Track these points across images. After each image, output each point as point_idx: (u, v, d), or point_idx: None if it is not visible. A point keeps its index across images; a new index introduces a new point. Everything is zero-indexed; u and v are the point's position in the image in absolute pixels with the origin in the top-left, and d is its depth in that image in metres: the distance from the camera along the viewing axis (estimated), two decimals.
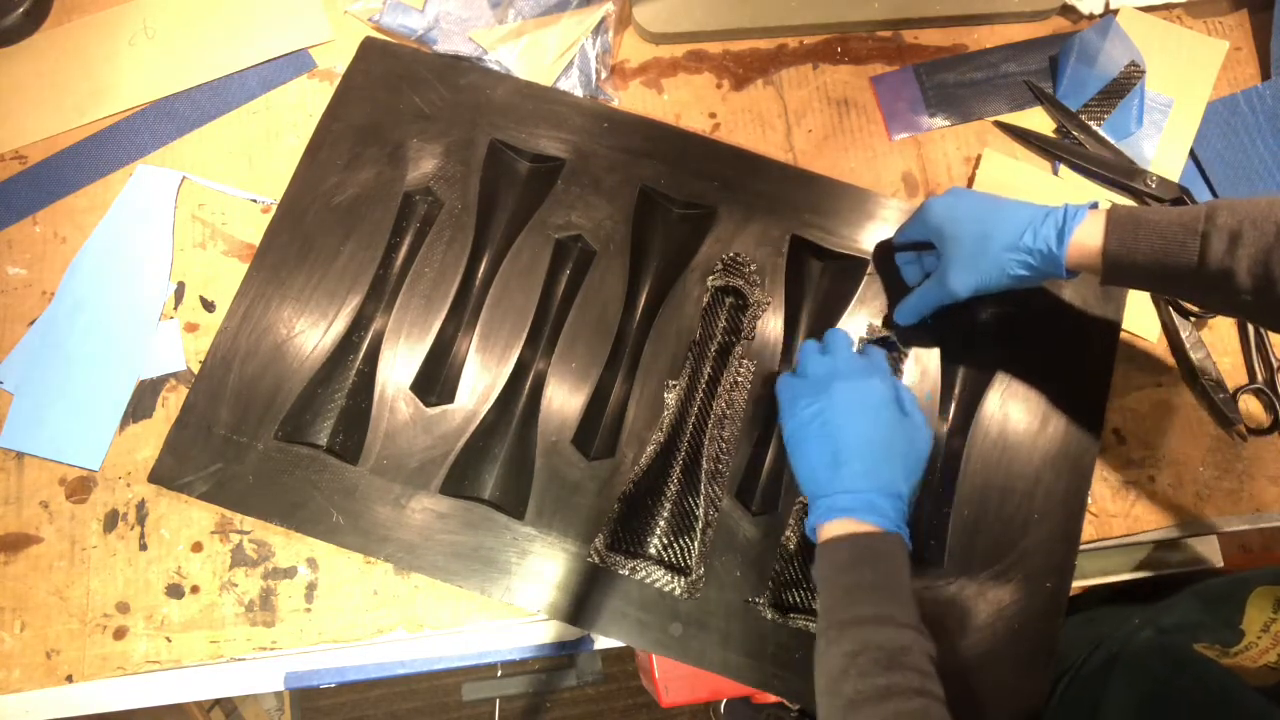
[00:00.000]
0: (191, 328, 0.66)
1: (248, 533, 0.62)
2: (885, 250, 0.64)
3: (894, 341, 0.63)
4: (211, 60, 0.71)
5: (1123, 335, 0.64)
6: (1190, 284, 0.49)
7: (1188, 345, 0.65)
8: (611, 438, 0.61)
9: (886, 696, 0.43)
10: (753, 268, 0.64)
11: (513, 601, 0.57)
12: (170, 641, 0.60)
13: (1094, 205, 0.52)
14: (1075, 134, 0.70)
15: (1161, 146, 0.70)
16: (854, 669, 0.44)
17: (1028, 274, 0.53)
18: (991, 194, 0.56)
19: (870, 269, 0.64)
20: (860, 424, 0.51)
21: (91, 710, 0.61)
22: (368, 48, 0.69)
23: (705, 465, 0.60)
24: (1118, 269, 0.50)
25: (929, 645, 0.46)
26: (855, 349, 0.57)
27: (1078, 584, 0.63)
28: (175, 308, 0.66)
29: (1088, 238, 0.51)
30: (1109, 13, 0.73)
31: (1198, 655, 0.53)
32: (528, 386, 0.63)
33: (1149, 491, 0.64)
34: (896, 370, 0.63)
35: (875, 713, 0.42)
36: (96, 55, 0.72)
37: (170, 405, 0.64)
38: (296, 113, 0.70)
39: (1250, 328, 0.67)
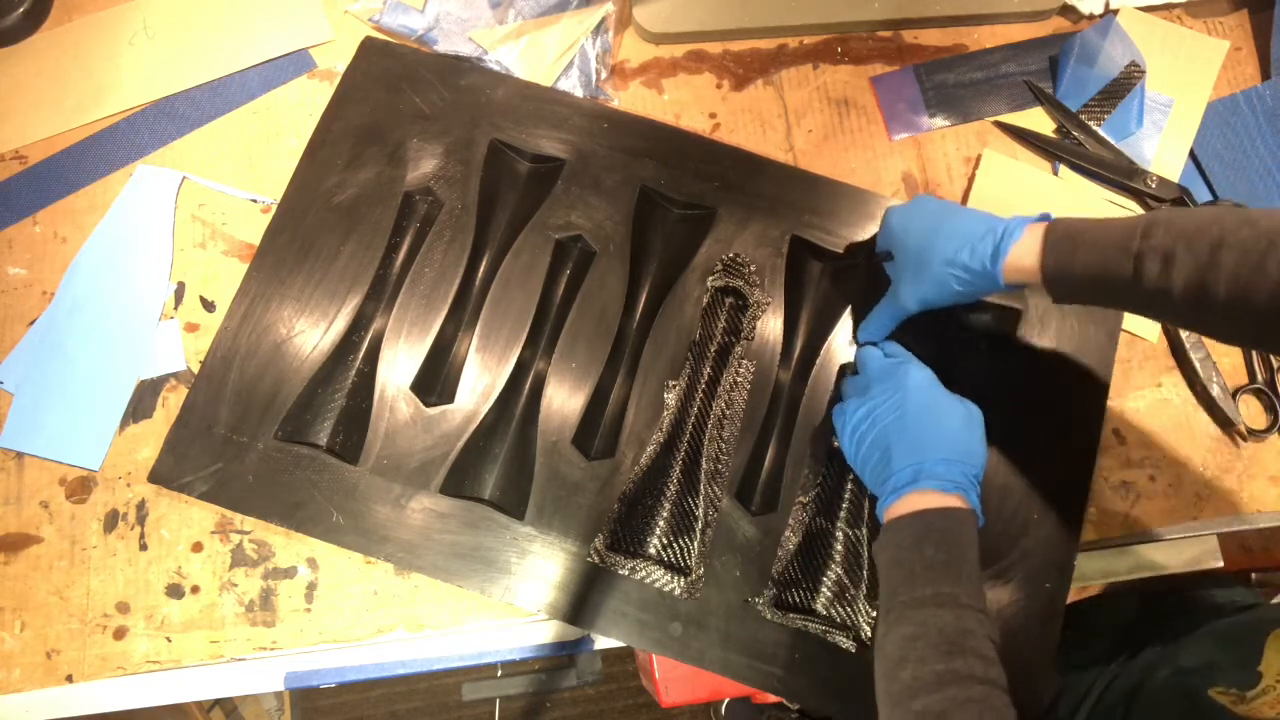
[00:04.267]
0: (191, 328, 0.66)
1: (248, 533, 0.62)
2: (859, 252, 0.64)
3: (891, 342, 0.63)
4: (212, 60, 0.71)
5: (1123, 335, 0.64)
6: (1129, 300, 0.48)
7: (1188, 345, 0.65)
8: (611, 438, 0.61)
9: (945, 683, 0.41)
10: (752, 268, 0.64)
11: (513, 601, 0.57)
12: (170, 641, 0.60)
13: (1044, 217, 0.52)
14: (1075, 134, 0.70)
15: (1161, 146, 0.70)
16: (912, 654, 0.43)
17: (966, 290, 0.53)
18: (949, 204, 0.57)
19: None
20: (906, 409, 0.52)
21: (91, 710, 0.61)
22: (368, 48, 0.69)
23: (705, 465, 0.60)
24: (1059, 285, 0.50)
25: (992, 628, 0.44)
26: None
27: (1077, 584, 0.63)
28: (175, 308, 0.66)
29: (1027, 255, 0.50)
30: (1109, 13, 0.73)
31: (1212, 702, 0.53)
32: (528, 386, 0.63)
33: (1149, 491, 0.64)
34: None
35: (932, 700, 0.41)
36: (96, 55, 0.72)
37: (170, 405, 0.64)
38: (296, 113, 0.70)
39: None
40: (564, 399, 0.61)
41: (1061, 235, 0.49)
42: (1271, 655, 0.54)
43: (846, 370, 0.63)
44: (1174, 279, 0.45)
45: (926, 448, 0.50)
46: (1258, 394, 0.66)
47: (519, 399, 0.63)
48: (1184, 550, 0.67)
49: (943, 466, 0.49)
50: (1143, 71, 0.71)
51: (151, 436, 0.63)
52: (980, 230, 0.52)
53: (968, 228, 0.53)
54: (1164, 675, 0.57)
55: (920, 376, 0.53)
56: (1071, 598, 0.59)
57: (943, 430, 0.51)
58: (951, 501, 0.48)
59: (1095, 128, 0.70)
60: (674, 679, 0.79)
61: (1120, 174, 0.68)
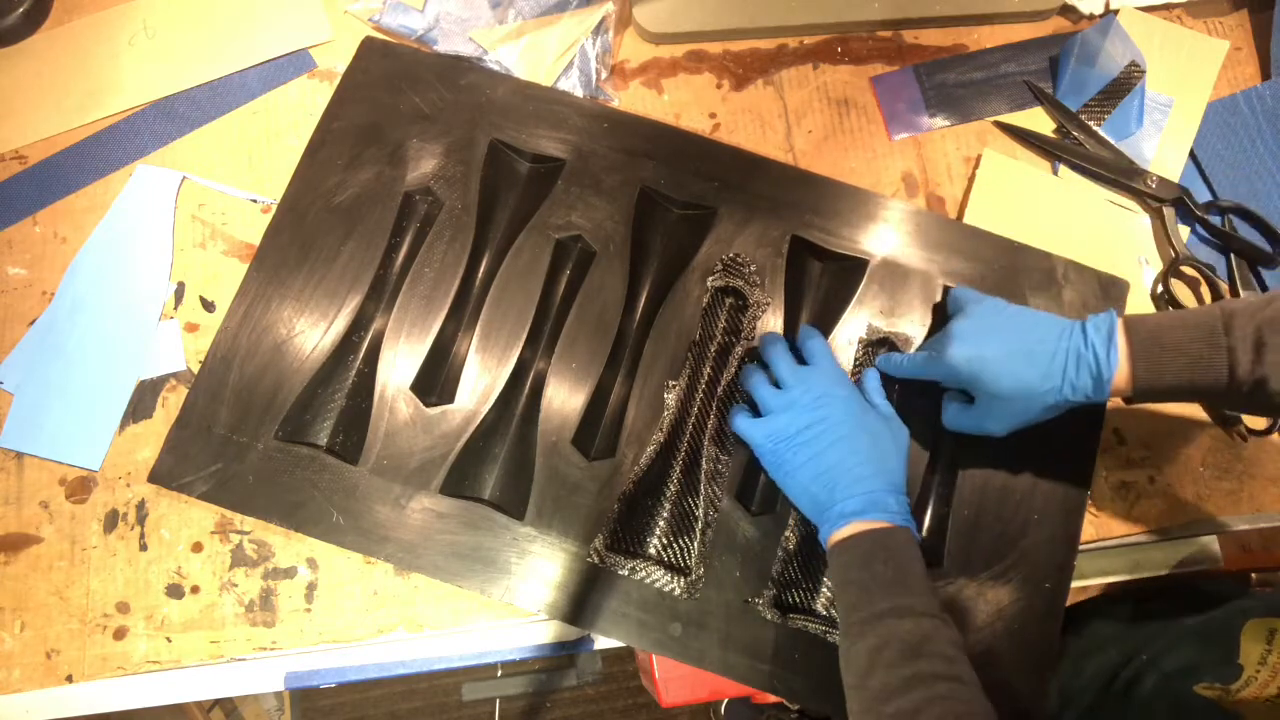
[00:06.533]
0: (191, 328, 0.66)
1: (248, 533, 0.62)
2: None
3: (894, 342, 0.63)
4: (211, 60, 0.71)
5: None
6: (1224, 397, 0.49)
7: None
8: (611, 438, 0.61)
9: (912, 685, 0.44)
10: (753, 268, 0.64)
11: (513, 601, 0.57)
12: (170, 641, 0.60)
13: (1110, 315, 0.52)
14: (1075, 134, 0.70)
15: (1161, 146, 0.70)
16: (879, 663, 0.46)
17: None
18: (1010, 318, 0.55)
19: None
20: (843, 434, 0.53)
21: (91, 710, 0.61)
22: (368, 48, 0.69)
23: (705, 465, 0.60)
24: (1149, 393, 0.51)
25: (952, 632, 0.47)
26: (796, 364, 0.58)
27: (1077, 584, 0.63)
28: (175, 308, 0.66)
29: (1118, 373, 0.51)
30: (1109, 13, 0.73)
31: (1201, 700, 0.53)
32: (528, 386, 0.63)
33: (1149, 491, 0.64)
34: None
35: (903, 702, 0.44)
36: (96, 55, 0.72)
37: (170, 405, 0.64)
38: (296, 113, 0.70)
39: None
40: (564, 399, 0.61)
41: (1146, 340, 0.50)
42: (1248, 645, 0.54)
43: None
44: (1270, 364, 0.46)
45: (871, 479, 0.52)
46: None
47: (519, 399, 0.63)
48: (1184, 550, 0.67)
49: (893, 499, 0.52)
50: (1143, 71, 0.71)
51: (151, 436, 0.63)
52: (1070, 358, 0.51)
53: (1058, 362, 0.52)
54: (1151, 681, 0.57)
55: (847, 398, 0.55)
56: (1072, 597, 0.59)
57: (886, 463, 0.53)
58: (895, 525, 0.51)
59: (1095, 128, 0.70)
60: (674, 679, 0.79)
61: (1120, 174, 0.68)
